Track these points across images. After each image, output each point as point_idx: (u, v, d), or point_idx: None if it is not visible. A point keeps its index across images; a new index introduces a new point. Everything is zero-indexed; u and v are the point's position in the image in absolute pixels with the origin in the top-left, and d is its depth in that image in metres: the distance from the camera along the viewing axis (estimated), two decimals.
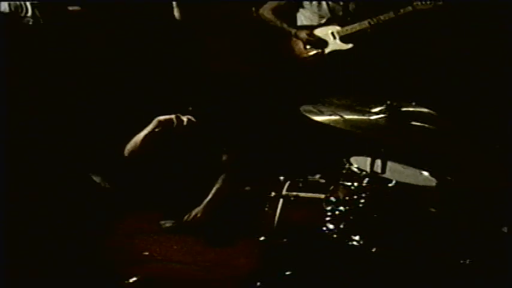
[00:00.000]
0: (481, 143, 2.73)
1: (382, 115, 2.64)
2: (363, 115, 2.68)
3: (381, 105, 2.67)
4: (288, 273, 2.69)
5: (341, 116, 2.67)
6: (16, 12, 4.14)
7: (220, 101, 4.27)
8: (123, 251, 3.70)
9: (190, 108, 4.01)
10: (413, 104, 2.72)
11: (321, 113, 2.73)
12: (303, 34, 4.28)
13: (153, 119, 4.01)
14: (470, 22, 3.91)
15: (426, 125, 2.59)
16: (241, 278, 3.31)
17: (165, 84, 4.32)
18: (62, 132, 4.23)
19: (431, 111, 2.70)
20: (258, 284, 2.77)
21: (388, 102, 2.64)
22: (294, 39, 4.31)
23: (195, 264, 3.56)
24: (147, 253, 3.69)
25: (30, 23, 4.16)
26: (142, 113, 4.11)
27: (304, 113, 2.75)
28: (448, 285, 2.51)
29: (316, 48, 4.23)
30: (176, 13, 4.34)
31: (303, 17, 4.37)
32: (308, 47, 4.27)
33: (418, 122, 2.61)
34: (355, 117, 2.68)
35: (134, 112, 4.24)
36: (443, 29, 4.01)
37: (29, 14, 4.15)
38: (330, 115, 2.69)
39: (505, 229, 2.53)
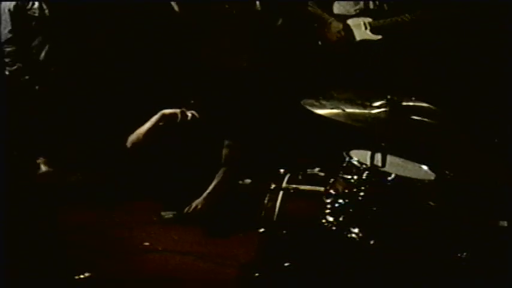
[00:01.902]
0: (480, 137, 2.73)
1: (382, 109, 2.66)
2: (364, 109, 2.69)
3: (381, 100, 2.68)
4: (286, 264, 2.70)
5: (342, 109, 2.69)
6: (23, 4, 4.17)
7: (222, 95, 4.29)
8: (123, 241, 3.72)
9: (192, 101, 4.03)
10: (413, 98, 2.74)
11: (323, 106, 2.74)
12: (337, 24, 4.35)
13: (155, 113, 4.03)
14: (474, 20, 3.94)
15: (426, 120, 2.61)
16: (240, 269, 3.34)
17: (167, 79, 4.34)
18: (65, 125, 4.26)
19: (431, 106, 2.71)
20: (257, 275, 2.78)
21: (389, 96, 2.66)
22: (329, 27, 4.39)
23: (195, 255, 3.58)
24: (147, 243, 3.72)
25: (36, 14, 4.18)
26: (144, 108, 4.13)
27: (305, 106, 2.76)
28: (446, 279, 2.52)
29: (346, 37, 4.28)
30: (175, 6, 4.36)
31: (338, 7, 4.45)
32: (339, 35, 4.36)
33: (418, 116, 2.62)
34: (356, 110, 2.69)
35: (137, 106, 4.26)
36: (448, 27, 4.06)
37: (36, 5, 4.17)
38: (332, 108, 2.71)
39: (504, 223, 2.54)
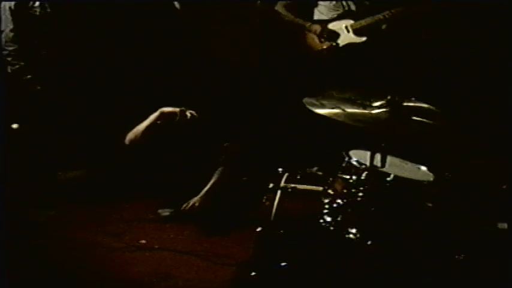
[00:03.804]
0: (480, 139, 2.72)
1: (383, 109, 2.65)
2: (364, 109, 2.69)
3: (382, 100, 2.68)
4: (283, 264, 2.69)
5: (343, 109, 2.68)
6: (24, 2, 4.16)
7: (221, 93, 4.28)
8: (120, 238, 3.71)
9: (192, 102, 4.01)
10: (414, 99, 2.73)
11: (323, 106, 2.73)
12: (316, 27, 4.32)
13: (153, 111, 4.02)
14: (474, 18, 3.91)
15: (426, 120, 2.60)
16: (236, 267, 3.33)
17: (168, 76, 4.33)
18: (64, 122, 4.25)
19: (431, 107, 2.70)
20: (253, 274, 2.77)
21: (389, 96, 2.65)
22: (308, 33, 4.34)
23: (191, 253, 3.57)
24: (144, 241, 3.70)
25: (37, 13, 4.17)
26: (143, 106, 4.12)
27: (306, 105, 2.75)
28: (443, 280, 2.51)
29: (329, 41, 4.26)
30: (177, 4, 4.35)
31: (318, 13, 4.42)
32: (322, 40, 4.32)
33: (418, 117, 2.62)
34: (356, 110, 2.69)
35: (136, 104, 4.26)
36: (448, 26, 4.02)
37: (37, 4, 4.16)
38: (332, 108, 2.70)
39: (504, 225, 2.54)
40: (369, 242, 2.55)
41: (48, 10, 4.18)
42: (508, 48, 3.68)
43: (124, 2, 4.33)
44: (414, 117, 2.62)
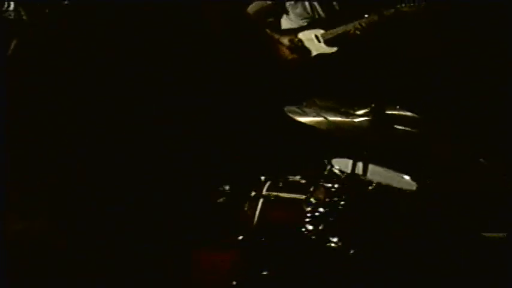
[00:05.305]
0: (466, 146, 2.73)
1: (366, 118, 2.65)
2: (347, 117, 2.68)
3: (365, 108, 2.67)
4: (264, 273, 2.67)
5: (325, 117, 2.67)
6: None
7: (202, 101, 4.25)
8: None
9: None
10: (398, 107, 2.73)
11: (305, 114, 2.73)
12: (286, 40, 4.26)
13: (147, 117, 3.98)
14: (458, 23, 3.91)
15: (409, 129, 2.60)
16: (218, 277, 3.30)
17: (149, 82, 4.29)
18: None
19: (415, 115, 2.70)
20: (234, 283, 2.75)
21: (373, 105, 2.65)
22: (278, 44, 4.29)
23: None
24: None
25: (11, 17, 4.11)
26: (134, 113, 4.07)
27: (287, 113, 2.75)
28: None
29: (300, 52, 4.22)
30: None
31: (287, 20, 4.36)
32: (291, 51, 4.26)
33: (401, 125, 2.62)
34: (339, 119, 2.68)
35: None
36: (430, 31, 4.01)
37: (11, 7, 4.10)
38: (314, 116, 2.69)
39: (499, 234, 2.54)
40: (351, 251, 2.54)
41: (23, 14, 4.13)
42: (507, 49, 3.68)
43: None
44: (397, 126, 2.62)
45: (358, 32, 4.00)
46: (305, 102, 2.80)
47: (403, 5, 3.83)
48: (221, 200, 3.95)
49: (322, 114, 2.70)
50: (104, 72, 4.14)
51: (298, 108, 2.77)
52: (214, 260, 3.36)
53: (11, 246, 2.72)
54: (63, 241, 3.14)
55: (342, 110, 2.72)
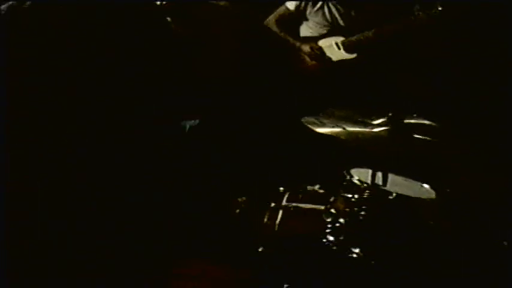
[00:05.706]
0: (483, 153, 2.71)
1: (384, 127, 2.64)
2: (365, 127, 2.68)
3: (382, 117, 2.67)
4: (286, 285, 2.66)
5: (343, 127, 2.67)
6: None
7: (220, 110, 4.26)
8: None
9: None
10: (415, 116, 2.72)
11: (323, 125, 2.72)
12: (307, 47, 4.28)
13: (147, 121, 3.98)
14: (474, 30, 3.88)
15: (427, 137, 2.59)
16: None
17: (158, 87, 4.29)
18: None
19: (433, 123, 2.69)
20: None
21: (390, 114, 2.64)
22: (299, 52, 4.30)
23: (190, 275, 3.53)
24: None
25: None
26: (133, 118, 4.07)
27: (306, 124, 2.74)
28: None
29: (320, 59, 4.23)
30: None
31: (306, 28, 4.37)
32: (312, 58, 4.28)
33: (419, 134, 2.61)
34: (357, 129, 2.68)
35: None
36: (447, 38, 3.99)
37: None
38: (332, 127, 2.69)
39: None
40: (373, 262, 2.53)
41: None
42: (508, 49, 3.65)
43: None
44: (415, 135, 2.61)
45: (378, 39, 4.01)
46: (323, 113, 2.80)
47: (420, 13, 3.82)
48: (238, 211, 3.96)
49: (340, 124, 2.70)
50: (104, 72, 4.15)
51: (316, 119, 2.77)
52: (232, 273, 3.37)
53: (11, 246, 2.72)
54: (63, 241, 3.16)
55: (360, 119, 2.71)
